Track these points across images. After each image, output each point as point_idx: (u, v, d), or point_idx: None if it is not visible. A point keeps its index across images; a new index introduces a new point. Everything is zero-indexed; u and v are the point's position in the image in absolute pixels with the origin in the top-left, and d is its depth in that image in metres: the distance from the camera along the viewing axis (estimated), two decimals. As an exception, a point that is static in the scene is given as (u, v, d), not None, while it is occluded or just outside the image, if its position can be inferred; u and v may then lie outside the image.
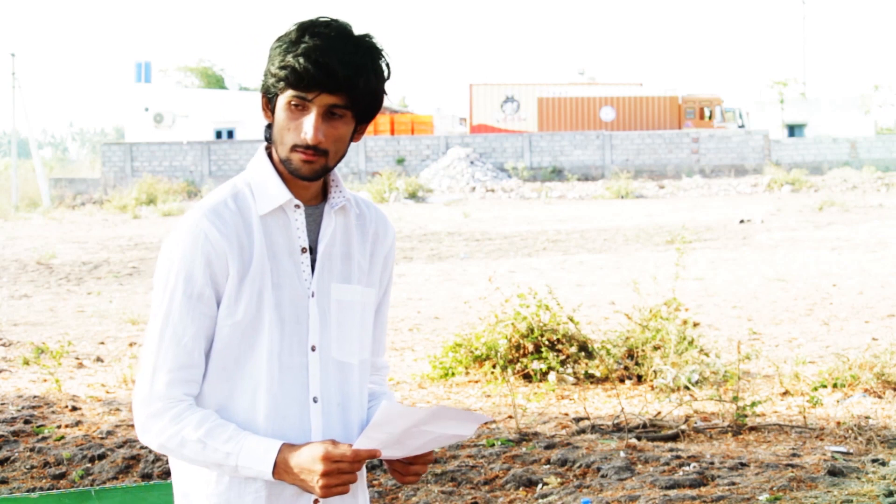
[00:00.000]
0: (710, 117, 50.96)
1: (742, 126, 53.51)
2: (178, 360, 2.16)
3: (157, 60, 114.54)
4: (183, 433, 2.13)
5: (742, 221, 26.94)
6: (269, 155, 2.27)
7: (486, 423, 7.21)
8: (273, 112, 2.20)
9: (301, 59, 2.10)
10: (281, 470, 2.11)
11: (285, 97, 2.15)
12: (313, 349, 2.24)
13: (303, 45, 2.11)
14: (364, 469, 2.36)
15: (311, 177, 2.18)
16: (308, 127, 2.14)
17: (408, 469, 2.25)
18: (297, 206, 2.23)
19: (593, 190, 41.25)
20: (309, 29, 2.14)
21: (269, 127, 2.23)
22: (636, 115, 50.72)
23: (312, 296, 2.24)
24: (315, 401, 2.23)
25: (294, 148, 2.16)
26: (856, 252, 19.29)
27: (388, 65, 2.19)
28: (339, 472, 2.09)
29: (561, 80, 62.19)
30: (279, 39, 2.17)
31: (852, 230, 23.97)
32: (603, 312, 12.57)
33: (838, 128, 55.70)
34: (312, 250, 2.25)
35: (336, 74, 2.11)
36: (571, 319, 8.83)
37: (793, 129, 56.78)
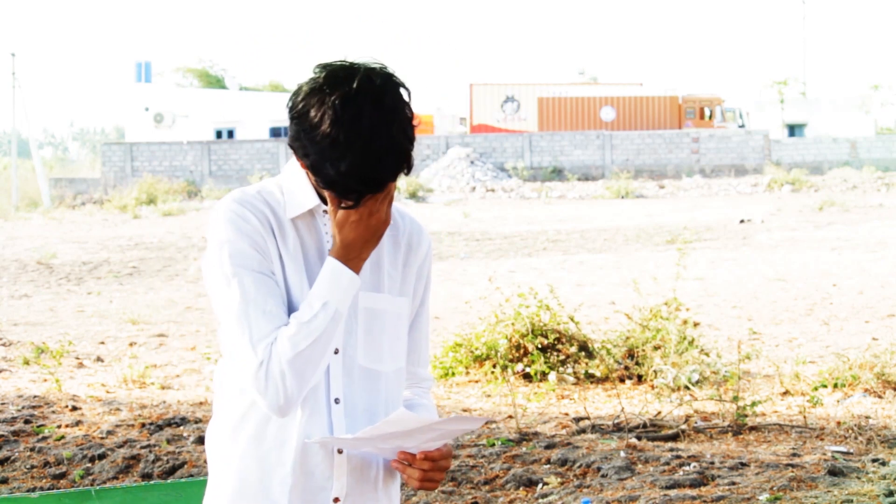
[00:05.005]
0: (711, 117, 50.93)
1: (742, 126, 53.46)
2: (271, 326, 2.15)
3: (157, 60, 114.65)
4: (284, 343, 2.13)
5: (742, 221, 26.93)
6: None
7: (485, 423, 7.22)
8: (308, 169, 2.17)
9: (351, 180, 2.08)
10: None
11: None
12: (336, 352, 2.25)
13: (350, 159, 2.06)
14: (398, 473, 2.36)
15: None
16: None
17: (425, 474, 2.23)
18: (326, 212, 2.26)
19: (593, 190, 41.24)
20: (356, 119, 2.06)
21: (295, 144, 2.18)
22: (636, 115, 50.71)
23: None
24: (336, 402, 2.24)
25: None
26: (856, 252, 19.28)
27: (412, 114, 2.15)
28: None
29: (561, 80, 62.20)
30: (319, 114, 2.08)
31: (852, 230, 23.97)
32: (603, 312, 12.57)
33: (838, 128, 55.66)
34: None
35: (385, 181, 2.12)
36: (572, 319, 8.83)
37: (793, 129, 56.76)
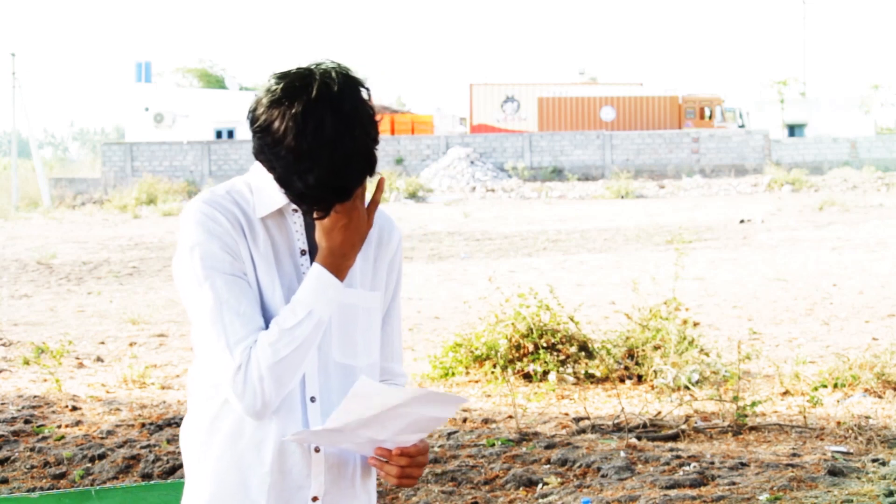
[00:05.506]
0: (711, 117, 50.94)
1: (742, 126, 53.48)
2: (247, 329, 2.13)
3: (157, 60, 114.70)
4: (265, 349, 2.12)
5: (742, 221, 26.94)
6: None
7: (485, 423, 7.22)
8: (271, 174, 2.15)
9: (320, 191, 2.06)
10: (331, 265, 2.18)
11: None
12: None
13: (317, 171, 2.04)
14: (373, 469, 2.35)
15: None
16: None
17: (402, 471, 2.23)
18: (296, 210, 2.24)
19: (593, 190, 41.25)
20: (319, 129, 2.04)
21: (261, 157, 2.16)
22: (636, 114, 50.72)
23: None
24: (313, 400, 2.23)
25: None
26: (856, 252, 19.29)
27: (373, 112, 2.12)
28: None
29: (561, 80, 62.17)
30: (288, 128, 2.05)
31: (852, 230, 23.98)
32: (603, 312, 12.57)
33: (838, 128, 55.67)
34: (312, 253, 2.25)
35: (353, 188, 2.10)
36: (572, 319, 8.83)
37: (793, 129, 56.77)
